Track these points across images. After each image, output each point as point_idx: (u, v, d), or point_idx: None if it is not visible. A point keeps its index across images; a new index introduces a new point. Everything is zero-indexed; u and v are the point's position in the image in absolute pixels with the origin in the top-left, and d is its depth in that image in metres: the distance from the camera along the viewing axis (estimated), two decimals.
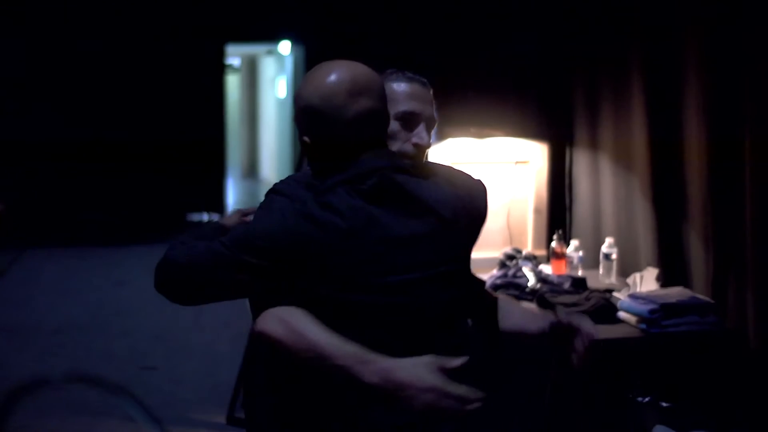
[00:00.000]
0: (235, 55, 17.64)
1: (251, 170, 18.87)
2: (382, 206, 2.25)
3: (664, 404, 3.51)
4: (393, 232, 2.24)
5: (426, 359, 2.09)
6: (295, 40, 13.53)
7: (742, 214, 3.77)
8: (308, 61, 12.28)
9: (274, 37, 13.94)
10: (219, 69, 12.32)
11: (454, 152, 4.88)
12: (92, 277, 9.07)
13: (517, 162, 5.06)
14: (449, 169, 2.52)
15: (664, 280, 4.23)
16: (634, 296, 3.93)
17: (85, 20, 11.07)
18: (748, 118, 3.69)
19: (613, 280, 4.55)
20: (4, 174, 11.22)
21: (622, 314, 3.92)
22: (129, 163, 11.42)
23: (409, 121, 2.56)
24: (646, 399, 3.54)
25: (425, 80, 2.67)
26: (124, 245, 10.60)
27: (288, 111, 14.26)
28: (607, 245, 4.59)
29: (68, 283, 8.83)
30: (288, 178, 2.38)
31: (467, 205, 2.42)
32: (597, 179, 5.00)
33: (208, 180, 12.05)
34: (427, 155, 2.62)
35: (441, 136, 5.02)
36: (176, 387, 5.86)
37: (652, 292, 3.99)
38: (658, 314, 3.76)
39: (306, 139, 2.32)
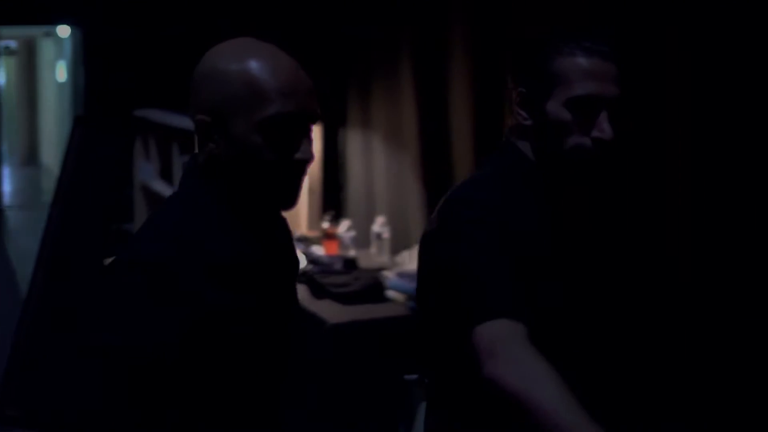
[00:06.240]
0: (10, 38, 16.97)
1: (31, 157, 18.19)
2: None
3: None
4: None
5: None
6: (73, 24, 13.11)
7: None
8: (87, 45, 11.92)
9: (50, 20, 13.47)
10: None
11: None
12: None
13: None
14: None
15: None
16: (402, 274, 3.95)
17: None
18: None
19: (385, 258, 4.57)
20: None
21: (390, 293, 3.94)
22: None
23: (586, 108, 1.97)
24: (414, 377, 3.55)
25: (607, 49, 1.99)
26: None
27: (68, 95, 13.79)
28: (379, 224, 4.61)
29: None
30: None
31: None
32: (369, 159, 5.01)
33: None
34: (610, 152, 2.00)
35: None
36: None
37: None
38: None
39: None
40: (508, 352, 1.71)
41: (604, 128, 1.95)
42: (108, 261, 1.77)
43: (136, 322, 1.64)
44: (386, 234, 4.59)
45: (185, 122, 5.31)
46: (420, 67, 4.48)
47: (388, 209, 4.80)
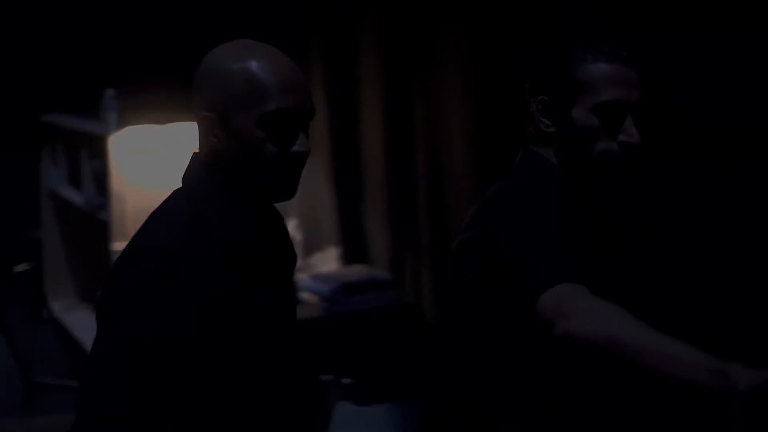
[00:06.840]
0: None
1: None
2: None
3: (346, 381, 3.57)
4: None
5: None
6: None
7: (416, 194, 3.91)
8: None
9: None
10: None
11: (134, 142, 4.64)
12: None
13: None
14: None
15: (345, 259, 4.32)
16: (316, 276, 3.99)
17: None
18: (419, 110, 3.87)
19: (298, 261, 4.59)
20: None
21: (304, 295, 3.98)
22: None
23: (613, 113, 2.01)
24: (329, 377, 3.59)
25: (628, 55, 2.04)
26: None
27: None
28: (291, 227, 4.62)
29: None
30: None
31: None
32: None
33: None
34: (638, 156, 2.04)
35: (119, 125, 4.87)
36: None
37: (333, 271, 4.07)
38: (338, 293, 3.84)
39: None
40: (575, 306, 1.78)
41: (631, 133, 1.99)
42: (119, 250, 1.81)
43: (148, 310, 1.71)
44: (299, 236, 4.62)
45: (94, 127, 5.25)
46: (330, 69, 4.53)
47: (300, 212, 4.83)
